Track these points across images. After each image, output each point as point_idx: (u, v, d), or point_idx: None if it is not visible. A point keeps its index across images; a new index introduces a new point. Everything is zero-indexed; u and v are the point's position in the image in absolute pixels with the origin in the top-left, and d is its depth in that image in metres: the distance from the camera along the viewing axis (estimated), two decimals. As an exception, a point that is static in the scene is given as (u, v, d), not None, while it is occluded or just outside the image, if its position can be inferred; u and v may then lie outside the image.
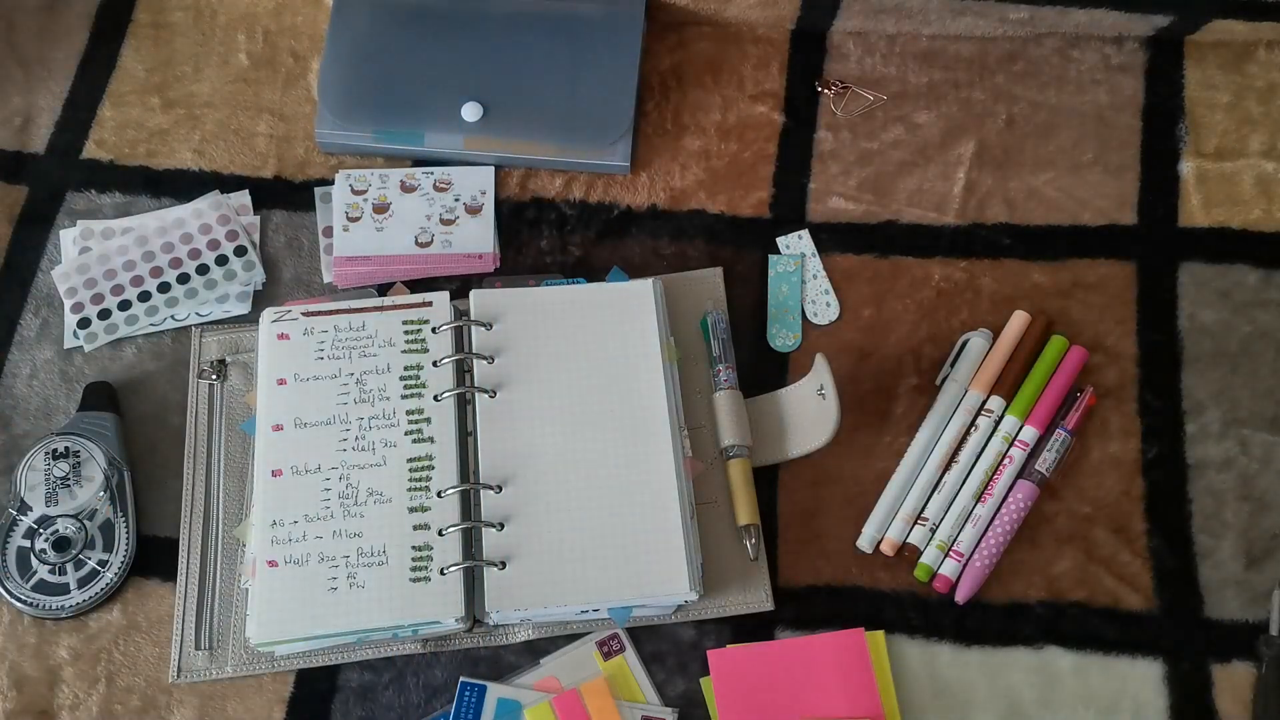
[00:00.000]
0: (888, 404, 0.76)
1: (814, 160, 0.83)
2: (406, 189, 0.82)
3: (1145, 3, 0.82)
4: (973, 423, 0.75)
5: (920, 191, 0.82)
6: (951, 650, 0.70)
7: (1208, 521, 0.73)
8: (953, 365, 0.76)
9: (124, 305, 0.79)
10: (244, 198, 0.82)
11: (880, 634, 0.70)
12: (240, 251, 0.80)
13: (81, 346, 0.78)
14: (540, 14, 0.84)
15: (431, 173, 0.83)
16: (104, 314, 0.78)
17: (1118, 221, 0.81)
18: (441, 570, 0.68)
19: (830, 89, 0.85)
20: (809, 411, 0.73)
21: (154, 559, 0.73)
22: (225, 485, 0.74)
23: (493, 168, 0.83)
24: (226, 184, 0.83)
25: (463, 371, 0.74)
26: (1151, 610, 0.71)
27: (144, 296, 0.79)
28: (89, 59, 0.87)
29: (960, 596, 0.71)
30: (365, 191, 0.82)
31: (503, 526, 0.69)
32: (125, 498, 0.73)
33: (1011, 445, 0.74)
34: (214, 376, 0.76)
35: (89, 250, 0.80)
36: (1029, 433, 0.74)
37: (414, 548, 0.69)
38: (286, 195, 0.83)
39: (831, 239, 0.81)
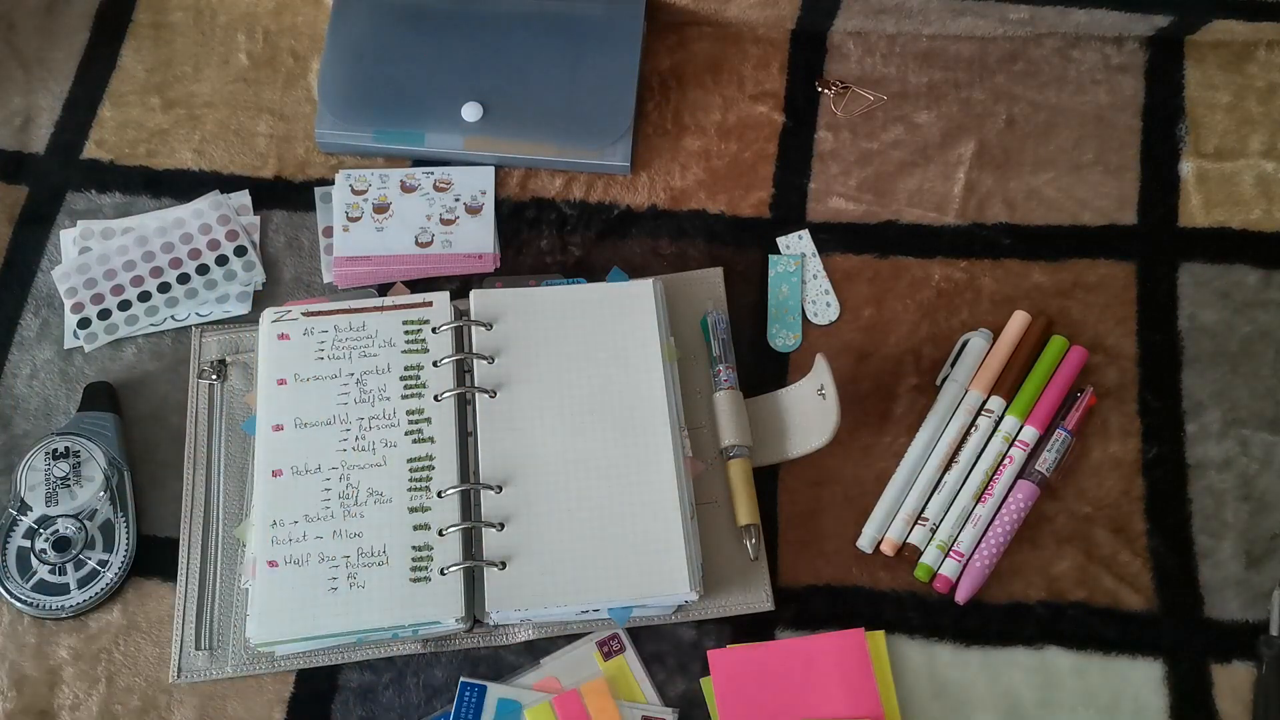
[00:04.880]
0: (888, 404, 0.76)
1: (814, 160, 0.83)
2: (406, 189, 0.82)
3: (1145, 3, 0.82)
4: (973, 423, 0.75)
5: (920, 191, 0.82)
6: (951, 650, 0.70)
7: (1208, 521, 0.73)
8: (953, 365, 0.76)
9: (124, 305, 0.79)
10: (244, 198, 0.82)
11: (880, 634, 0.70)
12: (240, 251, 0.80)
13: (81, 346, 0.78)
14: (540, 14, 0.84)
15: (431, 173, 0.83)
16: (104, 314, 0.78)
17: (1118, 221, 0.81)
18: (441, 570, 0.68)
19: (830, 89, 0.85)
20: (809, 411, 0.73)
21: (154, 559, 0.73)
22: (225, 485, 0.74)
23: (493, 168, 0.83)
24: (226, 184, 0.83)
25: (463, 371, 0.74)
26: (1151, 610, 0.71)
27: (144, 296, 0.79)
28: (89, 59, 0.87)
29: (960, 596, 0.71)
30: (365, 191, 0.82)
31: (503, 526, 0.69)
32: (125, 498, 0.73)
33: (1012, 445, 0.74)
34: (214, 376, 0.76)
35: (89, 250, 0.80)
36: (1029, 433, 0.74)
37: (414, 548, 0.69)
38: (286, 195, 0.83)
39: (831, 239, 0.81)
